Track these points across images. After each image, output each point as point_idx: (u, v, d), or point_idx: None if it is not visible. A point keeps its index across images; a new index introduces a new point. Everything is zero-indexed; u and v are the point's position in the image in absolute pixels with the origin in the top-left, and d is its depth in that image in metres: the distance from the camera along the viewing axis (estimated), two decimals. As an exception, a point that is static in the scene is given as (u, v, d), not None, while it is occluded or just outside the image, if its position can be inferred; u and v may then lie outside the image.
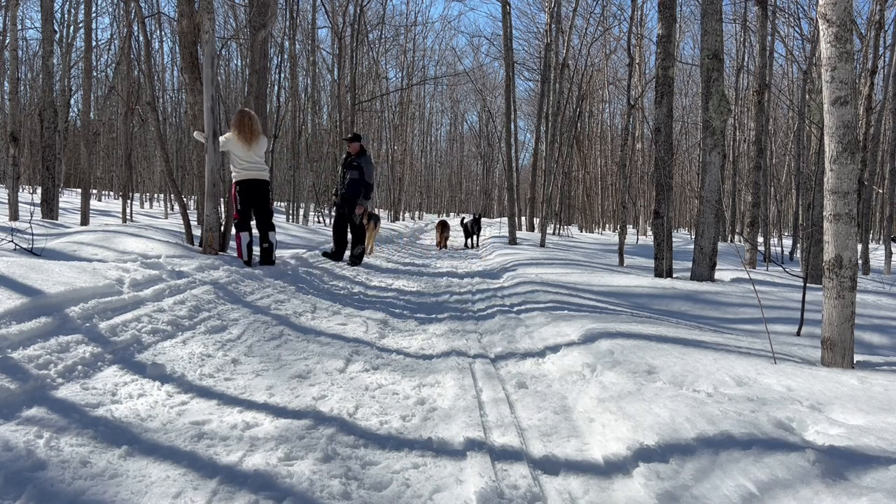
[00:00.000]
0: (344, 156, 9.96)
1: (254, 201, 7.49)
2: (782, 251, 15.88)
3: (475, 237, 16.67)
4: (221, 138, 7.43)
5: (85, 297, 4.08)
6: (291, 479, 2.26)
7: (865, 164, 12.06)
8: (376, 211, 15.55)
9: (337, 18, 21.83)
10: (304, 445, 2.55)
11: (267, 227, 7.59)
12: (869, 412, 2.60)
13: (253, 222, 7.56)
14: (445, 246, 15.95)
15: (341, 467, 2.39)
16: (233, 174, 7.48)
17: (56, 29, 20.55)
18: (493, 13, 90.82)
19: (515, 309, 5.83)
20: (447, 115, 52.48)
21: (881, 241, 22.62)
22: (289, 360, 3.86)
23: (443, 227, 15.82)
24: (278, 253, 8.05)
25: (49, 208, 12.66)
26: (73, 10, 24.80)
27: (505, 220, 22.39)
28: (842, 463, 2.10)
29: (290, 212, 22.89)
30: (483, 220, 31.34)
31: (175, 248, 7.14)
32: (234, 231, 7.55)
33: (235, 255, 7.40)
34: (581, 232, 27.37)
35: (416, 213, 43.16)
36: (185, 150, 23.85)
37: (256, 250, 7.68)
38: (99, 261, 5.73)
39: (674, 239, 10.82)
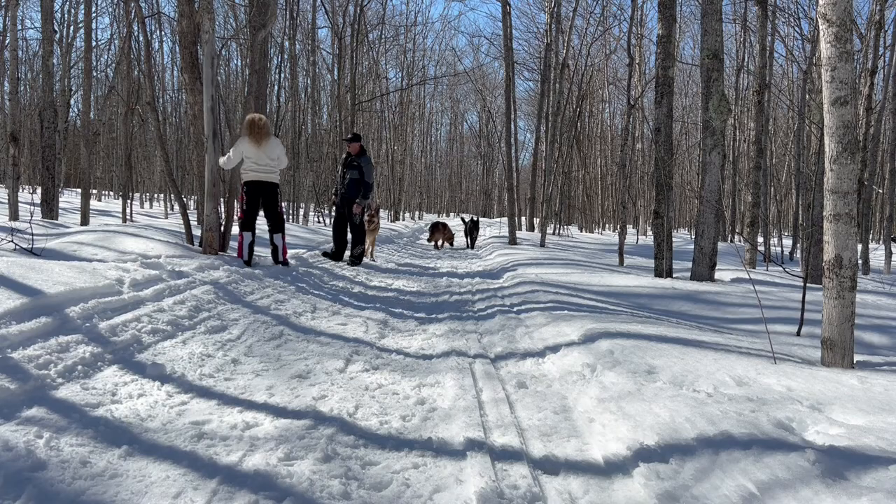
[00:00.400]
0: (344, 156, 9.96)
1: (261, 203, 7.56)
2: (782, 251, 15.88)
3: (475, 238, 16.64)
4: (231, 152, 7.47)
5: (85, 297, 4.08)
6: (291, 479, 2.25)
7: (865, 164, 12.06)
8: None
9: (337, 18, 21.83)
10: (304, 445, 2.55)
11: (274, 229, 7.66)
12: (869, 412, 2.60)
13: (262, 222, 7.62)
14: (451, 245, 15.87)
15: (341, 467, 2.39)
16: (242, 175, 7.55)
17: (56, 29, 20.56)
18: (493, 13, 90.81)
19: (515, 309, 5.83)
20: (447, 115, 52.44)
21: (881, 241, 22.61)
22: (289, 360, 3.86)
23: (435, 230, 15.47)
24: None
25: (49, 208, 12.65)
26: (73, 10, 24.87)
27: (505, 220, 22.38)
28: (842, 463, 2.10)
29: (291, 212, 22.90)
30: (483, 220, 31.42)
31: (175, 248, 7.13)
32: (236, 230, 7.58)
33: (236, 255, 7.41)
34: (581, 232, 27.37)
35: (416, 213, 43.14)
36: (185, 150, 23.85)
37: (257, 250, 7.69)
38: (99, 261, 5.73)
39: (674, 239, 10.81)
